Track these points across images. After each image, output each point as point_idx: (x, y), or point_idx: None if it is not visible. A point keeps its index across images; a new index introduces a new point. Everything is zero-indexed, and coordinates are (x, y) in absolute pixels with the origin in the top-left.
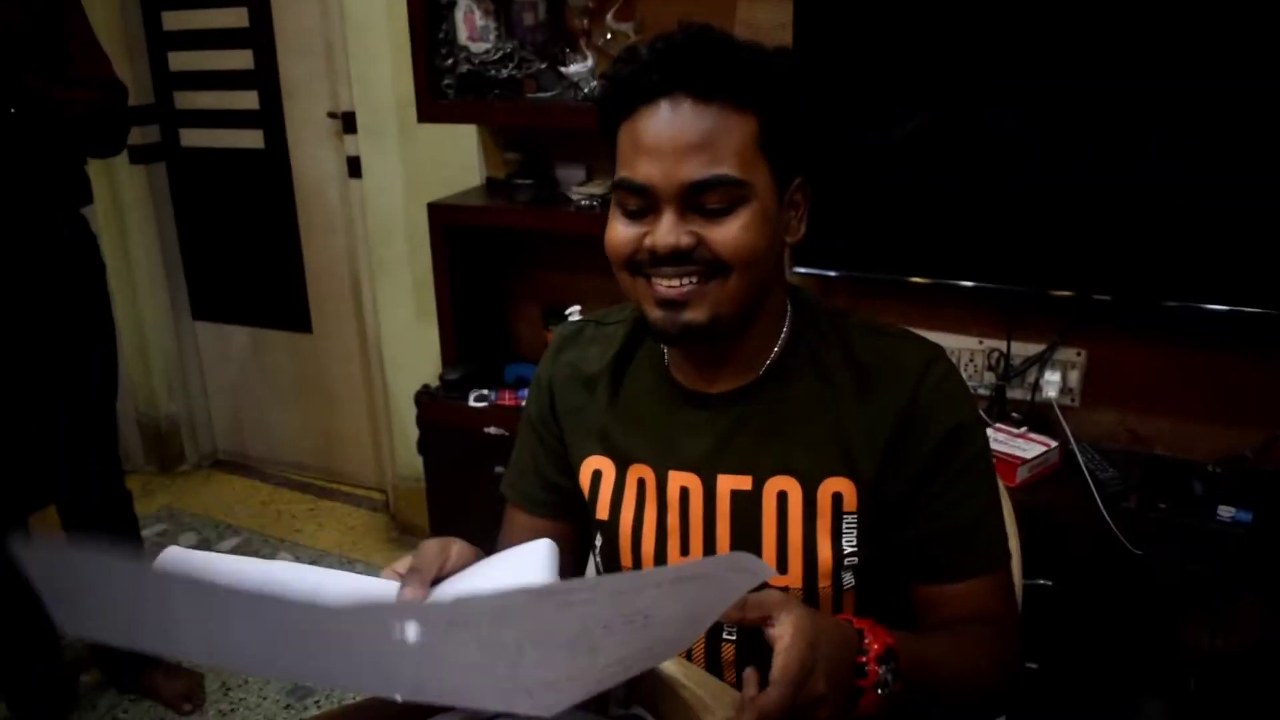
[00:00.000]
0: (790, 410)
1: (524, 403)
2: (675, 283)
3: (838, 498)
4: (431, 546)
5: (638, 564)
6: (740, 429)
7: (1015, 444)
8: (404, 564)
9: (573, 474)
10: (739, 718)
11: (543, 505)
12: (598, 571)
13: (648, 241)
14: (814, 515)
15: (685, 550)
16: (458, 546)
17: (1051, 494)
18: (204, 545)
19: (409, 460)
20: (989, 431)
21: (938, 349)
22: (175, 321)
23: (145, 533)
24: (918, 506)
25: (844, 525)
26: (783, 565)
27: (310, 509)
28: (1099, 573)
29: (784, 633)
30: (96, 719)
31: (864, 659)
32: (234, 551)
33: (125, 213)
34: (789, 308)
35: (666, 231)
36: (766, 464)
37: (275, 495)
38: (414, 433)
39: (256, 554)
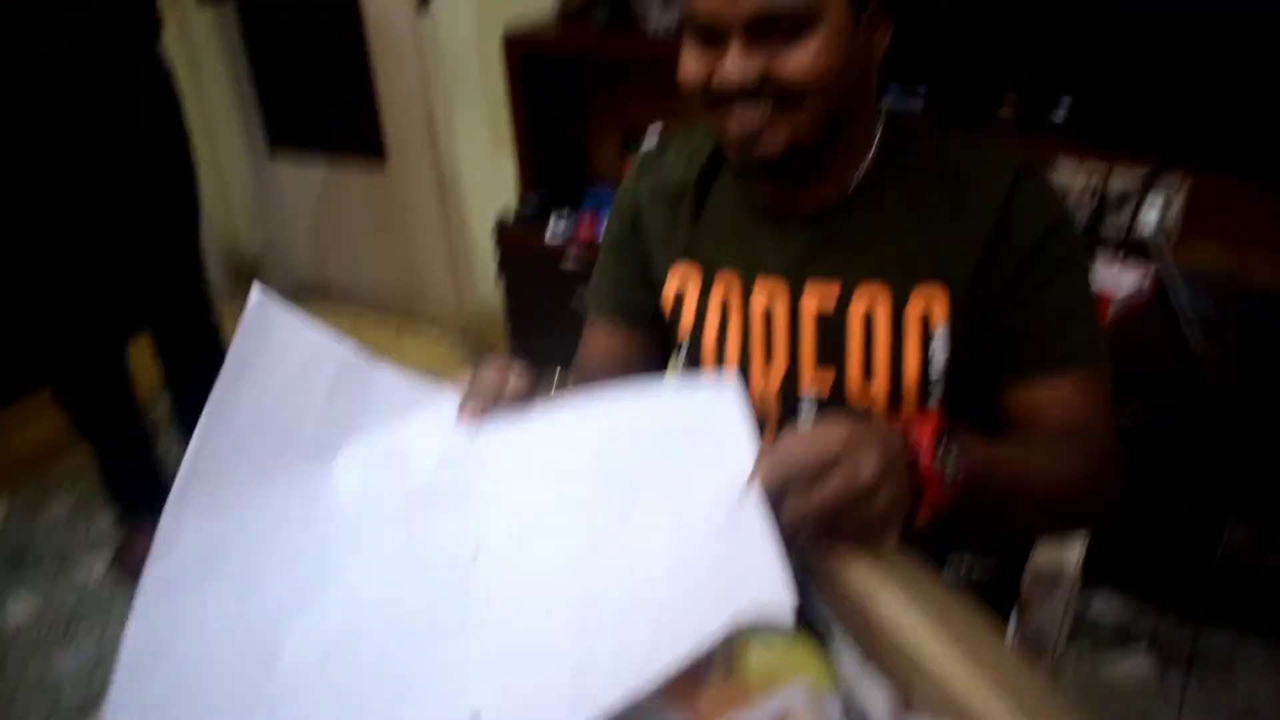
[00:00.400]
0: (880, 223)
1: (605, 225)
2: (748, 116)
3: (927, 310)
4: (490, 372)
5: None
6: (829, 240)
7: (1109, 277)
8: (463, 383)
9: (654, 290)
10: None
11: (624, 316)
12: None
13: (715, 78)
14: (902, 329)
15: (769, 367)
16: (516, 373)
17: (1144, 329)
18: None
19: (487, 291)
20: None
21: (1032, 162)
22: (252, 158)
23: None
24: (1009, 303)
25: (933, 340)
26: (868, 383)
27: (392, 340)
28: (1189, 408)
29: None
30: None
31: (915, 445)
32: None
33: (197, 51)
34: (880, 127)
35: (732, 68)
36: (857, 269)
37: (358, 324)
38: (491, 263)
39: None
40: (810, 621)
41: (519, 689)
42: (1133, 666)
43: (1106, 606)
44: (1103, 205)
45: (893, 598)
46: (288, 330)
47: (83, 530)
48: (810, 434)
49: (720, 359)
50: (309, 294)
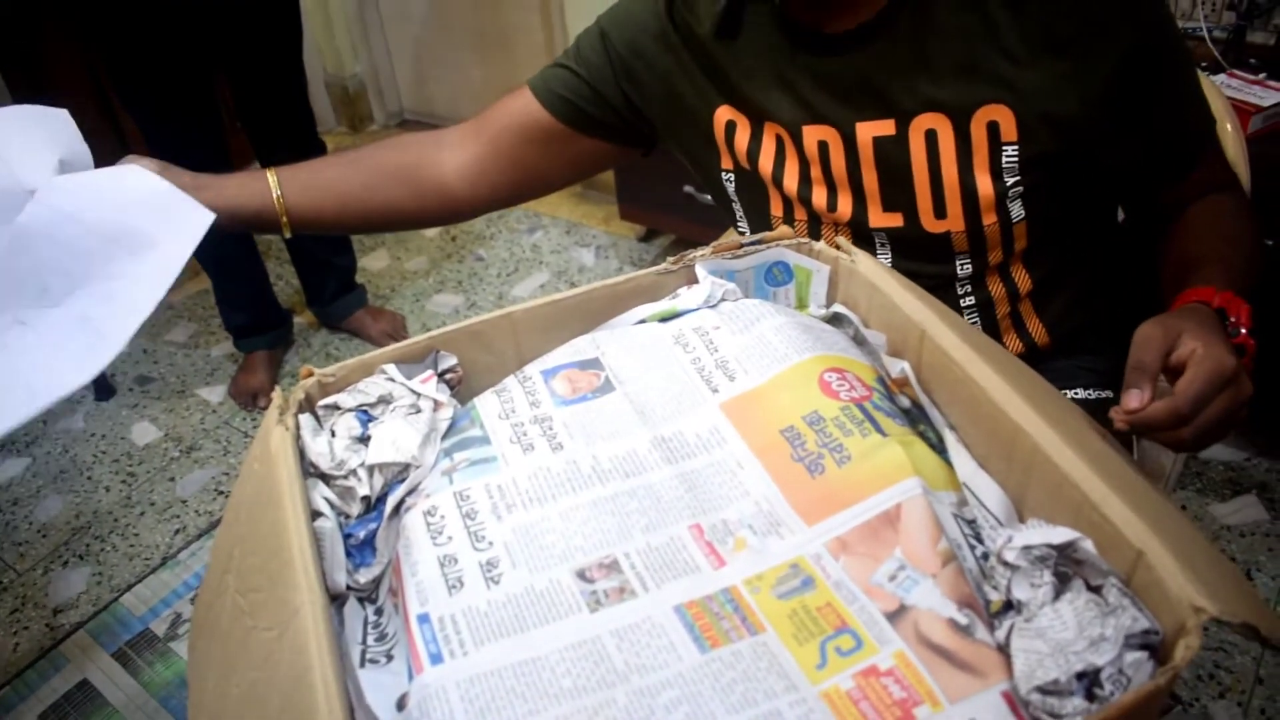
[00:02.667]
0: (930, 38)
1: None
2: None
3: (994, 127)
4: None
5: (788, 206)
6: (875, 69)
7: (1251, 91)
8: None
9: (633, 99)
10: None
11: (573, 111)
12: (739, 220)
13: None
14: (969, 150)
15: (834, 202)
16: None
17: None
18: None
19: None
20: (1222, 77)
21: None
22: None
23: None
24: (1118, 116)
25: (1004, 157)
26: (940, 208)
27: None
28: None
29: (1193, 344)
30: (312, 355)
31: (1238, 336)
32: None
33: None
34: None
35: None
36: (908, 103)
37: None
38: None
39: None
40: (925, 427)
41: None
42: (1242, 512)
43: (1217, 451)
44: (1248, 11)
45: (1017, 398)
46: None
47: (201, 357)
48: (1206, 360)
49: (780, 189)
50: (413, 126)
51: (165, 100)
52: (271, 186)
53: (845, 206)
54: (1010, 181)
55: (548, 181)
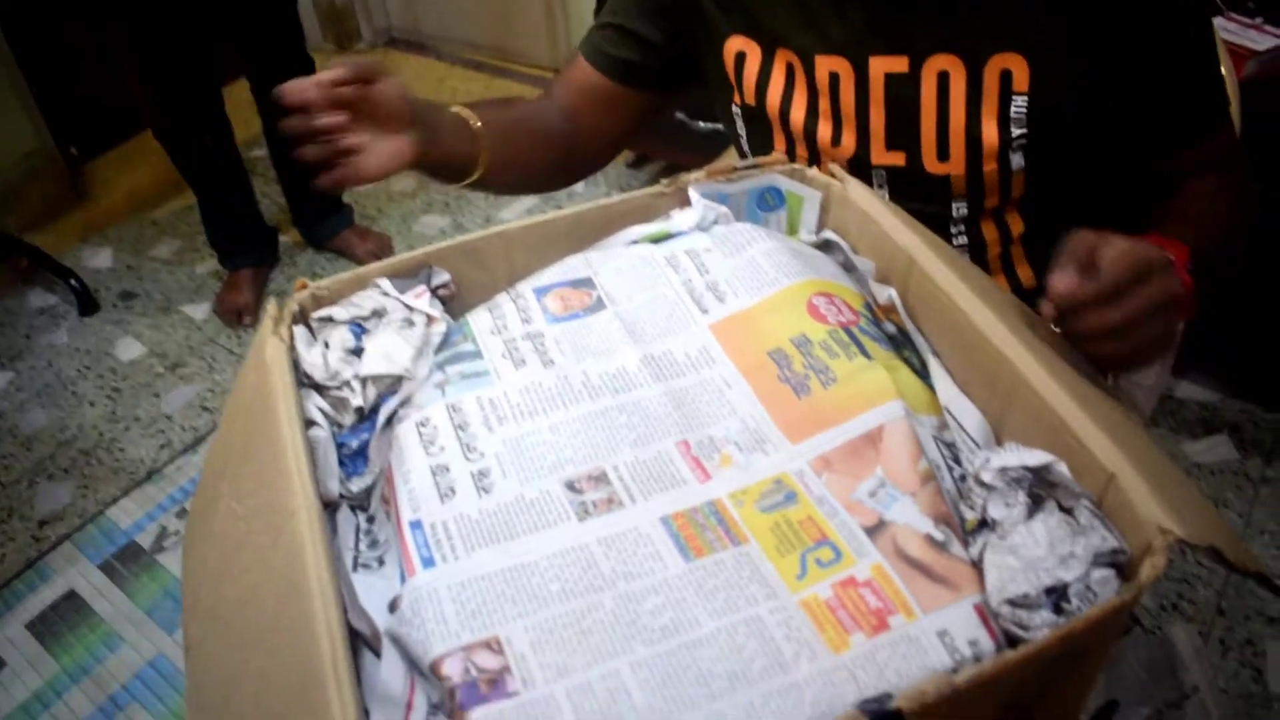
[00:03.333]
0: None
1: None
2: None
3: (1006, 76)
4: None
5: (790, 143)
6: (897, 5)
7: (1247, 35)
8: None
9: (668, 48)
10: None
11: (623, 67)
12: (746, 155)
13: None
14: (979, 96)
15: (838, 136)
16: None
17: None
18: None
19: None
20: (1219, 20)
21: None
22: None
23: None
24: (1130, 74)
25: (1013, 108)
26: (944, 151)
27: (485, 88)
28: None
29: (1122, 240)
30: (297, 273)
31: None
32: None
33: None
34: None
35: None
36: (925, 41)
37: (450, 73)
38: (589, 9)
39: None
40: (909, 353)
41: None
42: (1213, 451)
43: (1192, 392)
44: None
45: (1002, 327)
46: None
47: (186, 274)
48: (1133, 245)
49: (785, 124)
50: (401, 46)
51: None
52: (481, 138)
53: (849, 142)
54: (1016, 133)
55: (614, 143)
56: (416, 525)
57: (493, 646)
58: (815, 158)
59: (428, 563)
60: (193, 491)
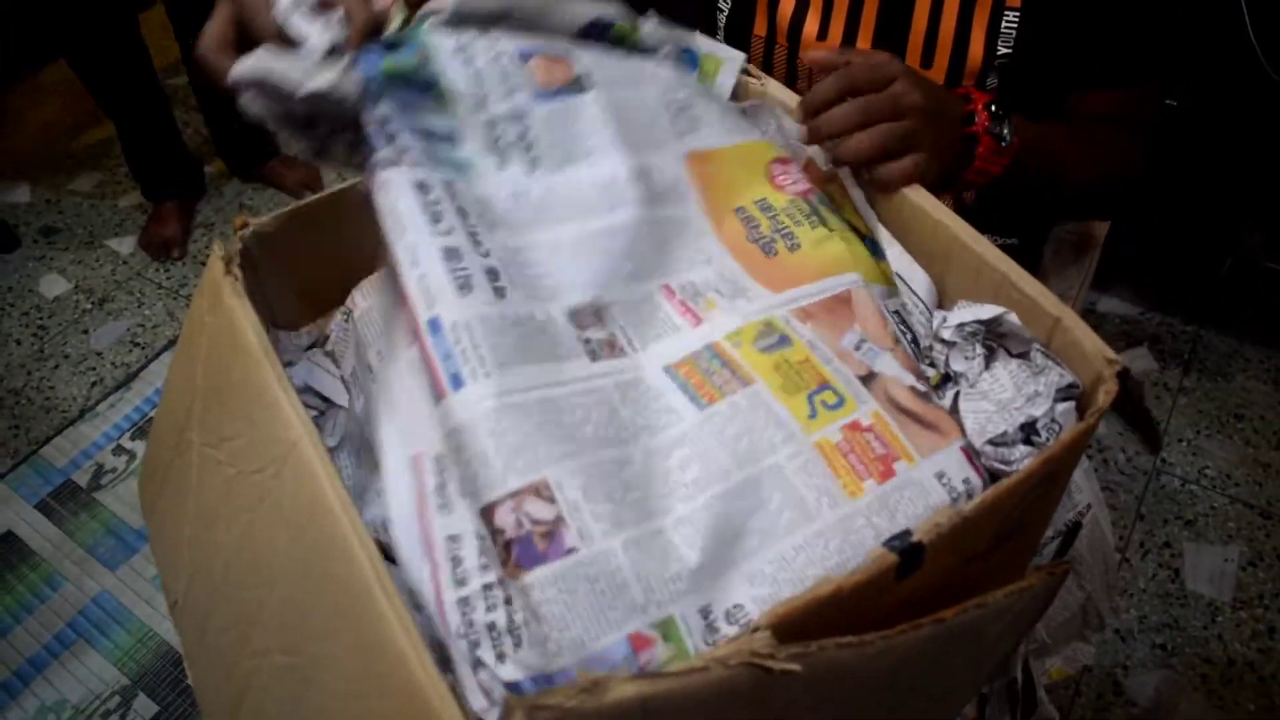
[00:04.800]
0: None
1: None
2: None
3: None
4: None
5: (772, 32)
6: None
7: None
8: None
9: None
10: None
11: None
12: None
13: None
14: (973, 3)
15: (825, 26)
16: None
17: (1204, 34)
18: None
19: None
20: None
21: None
22: None
23: None
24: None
25: (1003, 23)
26: (929, 58)
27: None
28: (1229, 97)
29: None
30: (224, 205)
31: (971, 105)
32: None
33: None
34: None
35: None
36: None
37: None
38: None
39: None
40: (862, 230)
41: None
42: (1134, 363)
43: (1113, 306)
44: None
45: (928, 195)
46: None
47: (109, 207)
48: (869, 52)
49: (772, 11)
50: None
51: None
52: None
53: (835, 35)
54: (1002, 50)
55: None
56: (435, 326)
57: (542, 493)
58: (793, 55)
59: (456, 381)
60: (127, 429)
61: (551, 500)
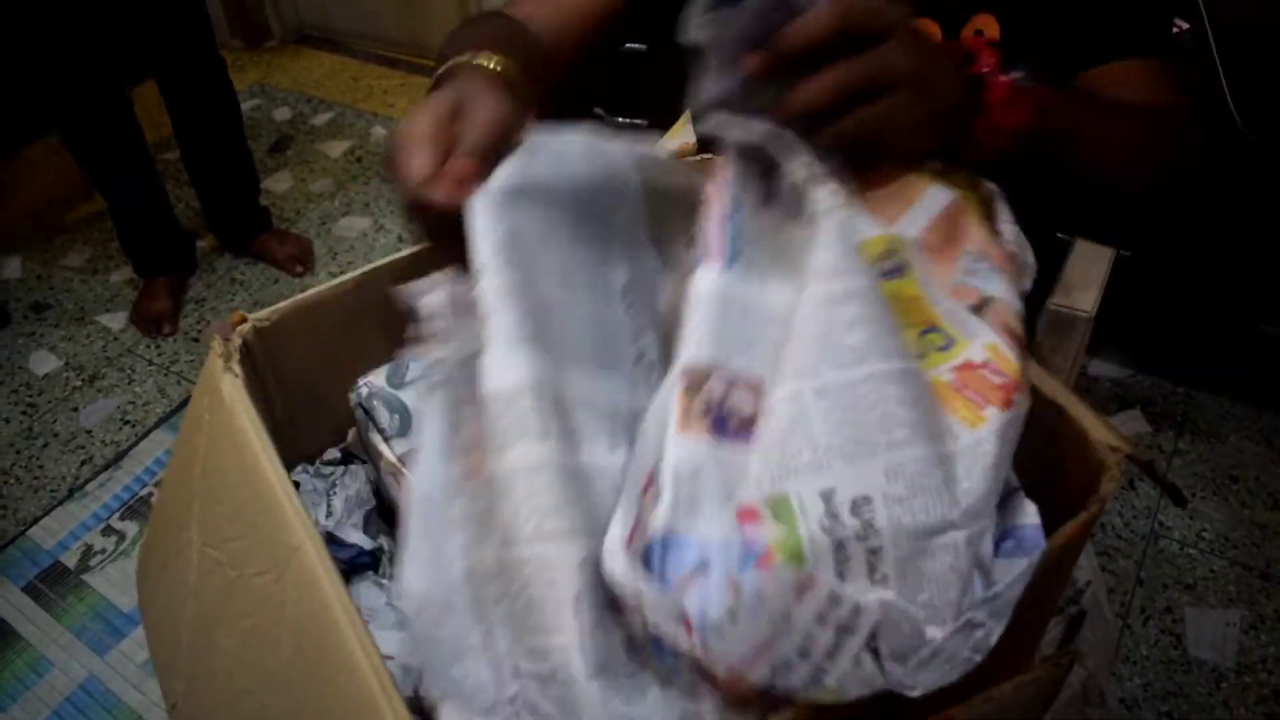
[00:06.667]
0: None
1: None
2: None
3: (978, 36)
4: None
5: None
6: None
7: None
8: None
9: None
10: None
11: None
12: None
13: None
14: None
15: None
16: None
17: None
18: (299, 119)
19: None
20: None
21: None
22: None
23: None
24: None
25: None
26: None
27: (400, 84)
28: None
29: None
30: (216, 280)
31: (970, 49)
32: (329, 124)
33: None
34: None
35: None
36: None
37: (364, 70)
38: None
39: (351, 128)
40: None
41: None
42: (1126, 425)
43: (1104, 369)
44: None
45: None
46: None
47: (100, 283)
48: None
49: None
50: (312, 42)
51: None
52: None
53: None
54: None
55: None
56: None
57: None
58: None
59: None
60: (117, 509)
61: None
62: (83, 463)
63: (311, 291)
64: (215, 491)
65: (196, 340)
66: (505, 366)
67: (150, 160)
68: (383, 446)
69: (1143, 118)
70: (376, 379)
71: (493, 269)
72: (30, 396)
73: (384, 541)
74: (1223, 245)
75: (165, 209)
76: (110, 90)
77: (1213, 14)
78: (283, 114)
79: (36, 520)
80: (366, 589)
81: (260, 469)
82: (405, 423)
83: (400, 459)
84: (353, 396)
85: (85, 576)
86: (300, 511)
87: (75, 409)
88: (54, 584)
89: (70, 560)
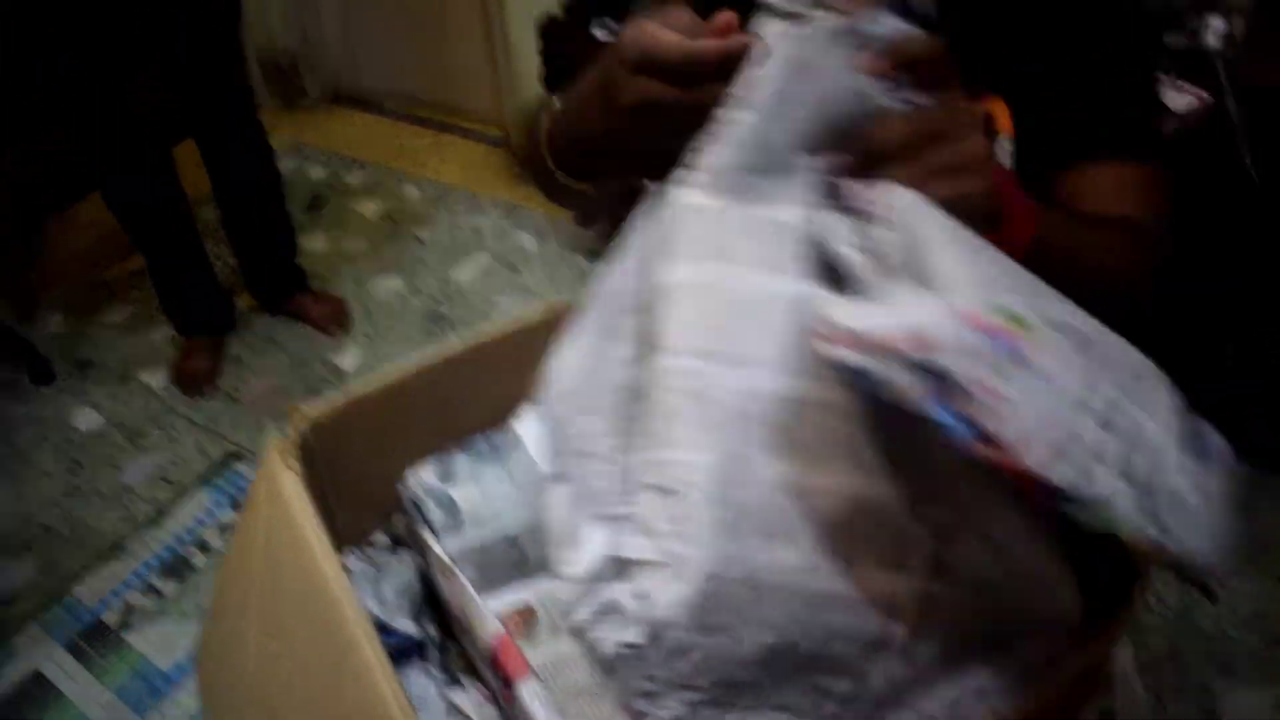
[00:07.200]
0: None
1: None
2: None
3: (989, 120)
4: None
5: None
6: None
7: (1167, 93)
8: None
9: None
10: None
11: None
12: None
13: None
14: None
15: None
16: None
17: (1198, 154)
18: (333, 178)
19: (530, 93)
20: None
21: None
22: None
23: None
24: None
25: (998, 149)
26: None
27: (432, 143)
28: (1239, 239)
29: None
30: (253, 338)
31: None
32: (363, 183)
33: None
34: None
35: None
36: None
37: (397, 130)
38: (534, 63)
39: (383, 186)
40: None
41: None
42: None
43: None
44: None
45: None
46: None
47: (141, 340)
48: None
49: None
50: (346, 102)
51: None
52: None
53: None
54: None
55: None
56: None
57: None
58: None
59: None
60: (157, 567)
61: None
62: (123, 519)
63: (366, 386)
64: (271, 584)
65: (235, 400)
66: (701, 188)
67: (191, 220)
68: (433, 543)
69: (1109, 235)
70: (426, 474)
71: (748, 109)
72: (73, 453)
73: (431, 630)
74: (1244, 312)
75: (205, 268)
76: (151, 149)
77: (1232, 79)
78: (318, 173)
79: (78, 577)
80: (415, 676)
81: (314, 564)
82: (454, 518)
83: (452, 558)
84: (402, 488)
85: (125, 634)
86: (356, 607)
87: (117, 466)
88: (95, 642)
89: (111, 619)
